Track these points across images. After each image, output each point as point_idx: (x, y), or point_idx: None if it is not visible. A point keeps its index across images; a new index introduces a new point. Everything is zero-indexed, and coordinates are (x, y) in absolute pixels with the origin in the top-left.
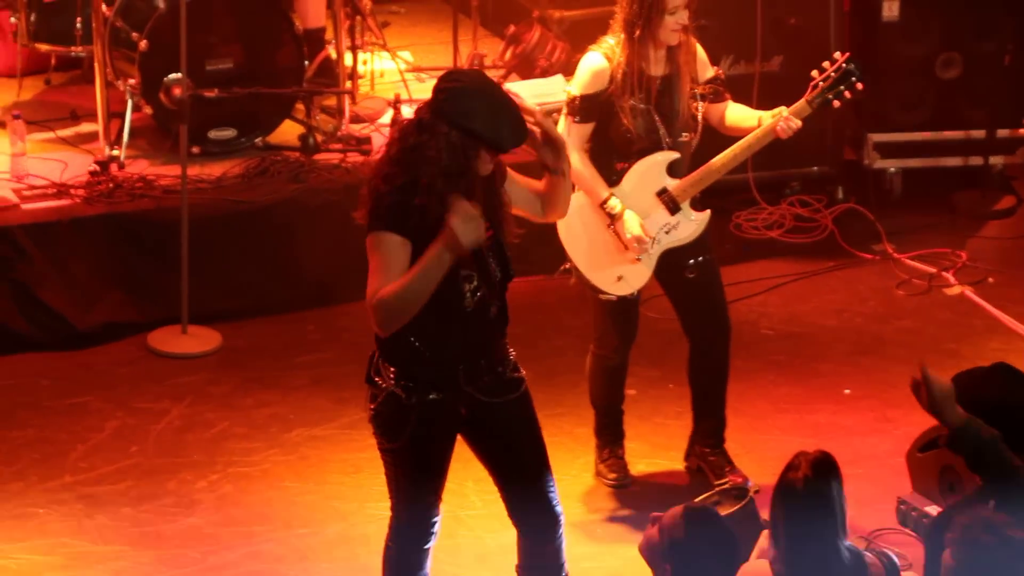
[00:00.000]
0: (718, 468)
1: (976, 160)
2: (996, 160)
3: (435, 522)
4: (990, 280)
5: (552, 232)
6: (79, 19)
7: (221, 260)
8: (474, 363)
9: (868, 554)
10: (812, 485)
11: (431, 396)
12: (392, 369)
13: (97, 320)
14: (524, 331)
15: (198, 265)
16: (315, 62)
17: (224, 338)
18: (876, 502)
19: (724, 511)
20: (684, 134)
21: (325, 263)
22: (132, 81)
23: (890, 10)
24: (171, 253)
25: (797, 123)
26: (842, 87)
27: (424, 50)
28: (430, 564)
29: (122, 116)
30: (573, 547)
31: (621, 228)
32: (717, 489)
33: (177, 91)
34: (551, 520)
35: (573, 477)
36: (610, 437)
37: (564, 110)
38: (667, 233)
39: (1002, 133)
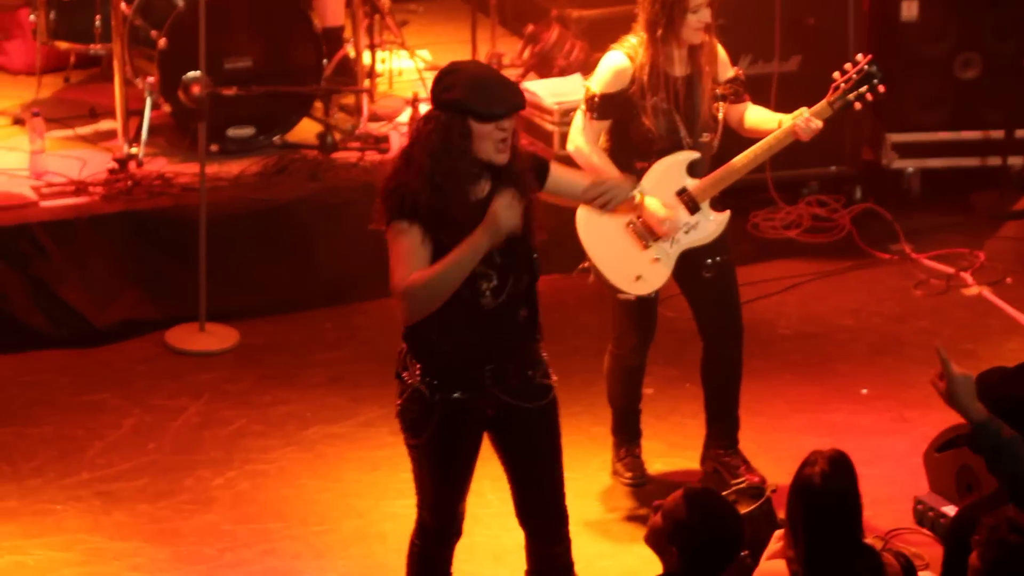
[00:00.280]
0: (733, 468)
1: (994, 160)
2: (1015, 160)
3: (459, 522)
4: (1008, 281)
5: (570, 231)
6: (98, 17)
7: (239, 258)
8: (502, 365)
9: (885, 554)
10: (830, 482)
11: (455, 395)
12: (418, 365)
13: (115, 317)
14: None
15: (216, 263)
16: (334, 60)
17: (241, 336)
18: (893, 502)
19: (741, 510)
20: (705, 134)
21: (342, 261)
22: (151, 79)
23: (909, 10)
24: (189, 251)
25: (818, 124)
26: (864, 89)
27: (442, 49)
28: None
29: (141, 114)
30: (589, 546)
31: (648, 215)
32: (734, 488)
33: (196, 89)
34: (558, 523)
35: (590, 476)
36: (627, 436)
37: (582, 105)
38: (686, 233)
39: (1020, 133)
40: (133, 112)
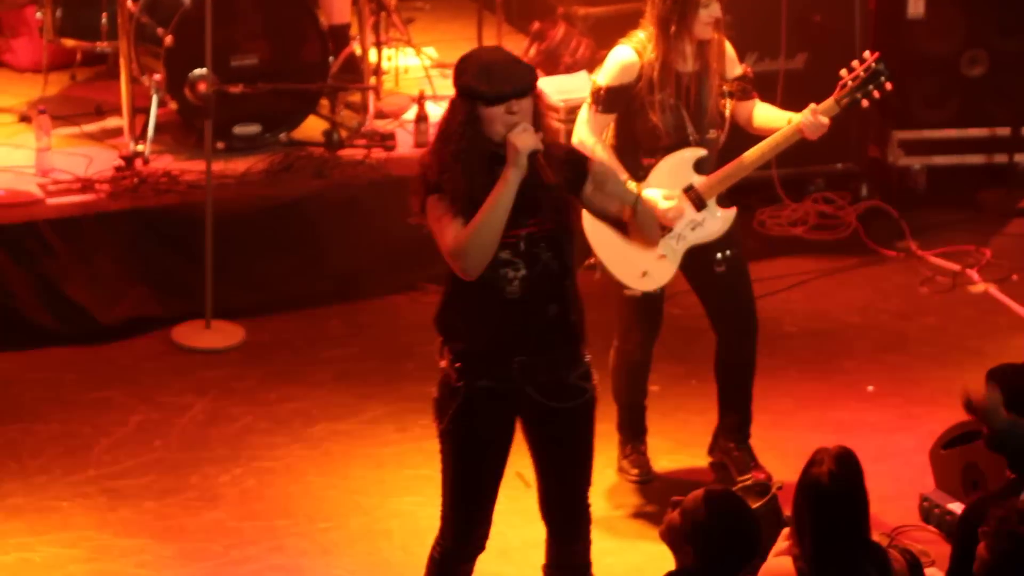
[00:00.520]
0: (742, 464)
1: (1001, 158)
2: (1021, 158)
3: (482, 534)
4: (1014, 278)
5: (577, 227)
6: (104, 14)
7: (245, 255)
8: (531, 360)
9: (891, 551)
10: (837, 480)
11: (481, 383)
12: (448, 351)
13: (121, 315)
14: None
15: (222, 260)
16: (340, 58)
17: (248, 333)
18: (899, 499)
19: None
20: (712, 131)
21: (349, 258)
22: (157, 76)
23: (915, 7)
24: (195, 248)
25: (825, 121)
26: (871, 87)
27: (449, 46)
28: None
29: (147, 111)
30: (596, 542)
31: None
32: (740, 485)
33: (202, 87)
34: (580, 522)
35: (595, 472)
36: (632, 433)
37: (588, 99)
38: (693, 229)
39: None
40: (139, 110)
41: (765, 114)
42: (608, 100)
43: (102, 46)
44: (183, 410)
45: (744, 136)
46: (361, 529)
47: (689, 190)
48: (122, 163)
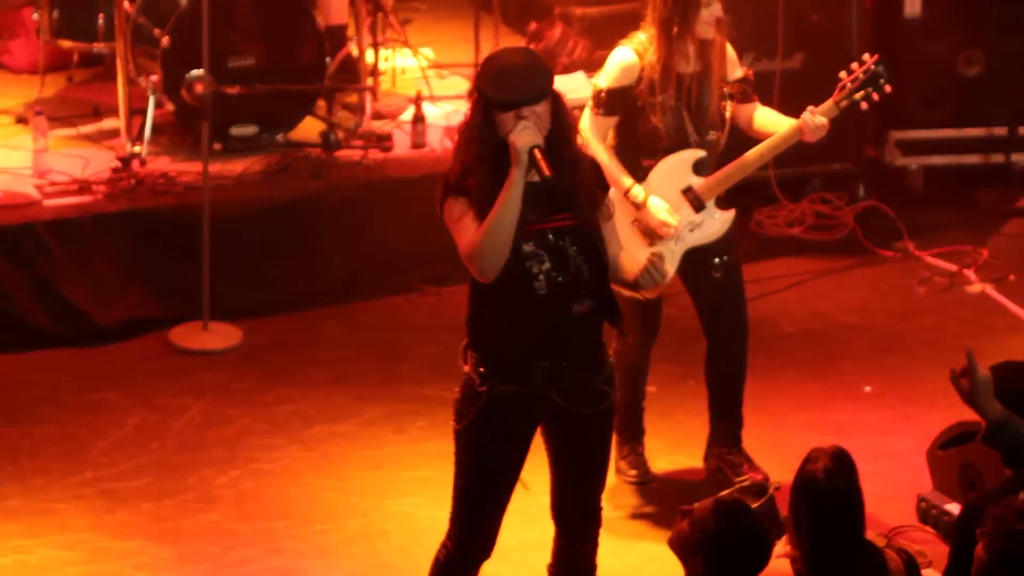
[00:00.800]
0: (737, 467)
1: (998, 157)
2: (1018, 157)
3: (490, 540)
4: (1011, 278)
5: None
6: (101, 15)
7: (242, 256)
8: (557, 363)
9: (888, 551)
10: (832, 479)
11: (503, 388)
12: (473, 355)
13: (118, 316)
14: None
15: (219, 261)
16: (337, 59)
17: (245, 334)
18: (896, 499)
19: None
20: (711, 132)
21: (346, 260)
22: (154, 78)
23: (912, 7)
24: (192, 249)
25: (824, 122)
26: (870, 88)
27: (445, 47)
28: None
29: (144, 112)
30: None
31: (647, 215)
32: (737, 486)
33: (199, 88)
34: (590, 525)
35: None
36: (630, 434)
37: (589, 102)
38: (691, 231)
39: None
40: (136, 111)
41: (766, 118)
42: (609, 102)
43: (99, 47)
44: (180, 412)
45: (743, 139)
46: (359, 531)
47: (688, 191)
48: (119, 164)
